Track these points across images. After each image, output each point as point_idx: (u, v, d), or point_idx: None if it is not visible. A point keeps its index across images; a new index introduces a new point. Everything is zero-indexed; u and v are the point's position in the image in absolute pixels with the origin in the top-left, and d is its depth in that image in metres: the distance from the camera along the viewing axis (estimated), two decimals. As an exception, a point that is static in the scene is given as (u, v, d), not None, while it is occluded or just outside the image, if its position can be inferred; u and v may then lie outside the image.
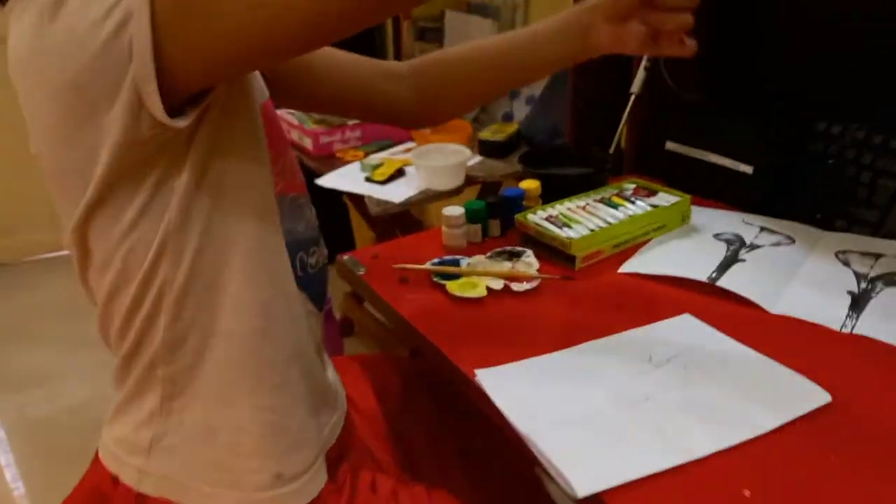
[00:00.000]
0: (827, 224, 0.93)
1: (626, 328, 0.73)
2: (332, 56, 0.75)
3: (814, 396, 0.61)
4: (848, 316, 0.73)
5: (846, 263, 0.84)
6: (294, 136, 1.67)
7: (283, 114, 1.71)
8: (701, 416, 0.60)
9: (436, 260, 0.86)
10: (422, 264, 0.84)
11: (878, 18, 0.95)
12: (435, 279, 0.82)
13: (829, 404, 0.60)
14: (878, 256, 0.85)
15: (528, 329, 0.74)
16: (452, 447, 0.80)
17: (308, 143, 1.61)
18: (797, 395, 0.61)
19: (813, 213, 0.95)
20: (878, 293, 0.77)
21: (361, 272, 0.86)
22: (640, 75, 1.06)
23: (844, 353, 0.69)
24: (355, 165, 1.56)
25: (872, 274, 0.81)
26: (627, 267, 0.85)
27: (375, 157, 1.58)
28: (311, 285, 0.66)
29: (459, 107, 0.83)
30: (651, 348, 0.69)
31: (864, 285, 0.79)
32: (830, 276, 0.81)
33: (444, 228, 0.91)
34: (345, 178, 1.51)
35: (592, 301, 0.79)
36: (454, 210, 0.90)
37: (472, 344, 0.72)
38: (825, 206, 0.95)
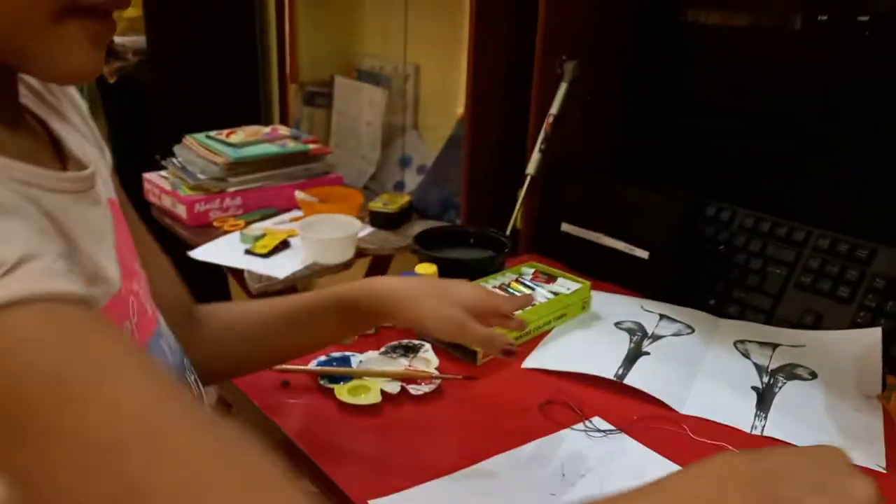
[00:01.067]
0: (720, 310, 0.93)
1: (532, 436, 0.67)
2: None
3: None
4: (756, 416, 0.71)
5: (745, 354, 0.83)
6: (166, 202, 1.53)
7: (155, 176, 1.57)
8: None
9: (322, 358, 0.77)
10: (306, 364, 0.75)
11: (775, 108, 0.99)
12: (322, 382, 0.73)
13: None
14: (774, 346, 0.84)
15: (428, 441, 0.66)
16: None
17: (182, 212, 1.47)
18: None
19: (706, 298, 0.95)
20: (780, 388, 0.76)
21: (235, 374, 0.75)
22: (536, 157, 1.04)
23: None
24: (234, 236, 1.43)
25: (773, 366, 0.80)
26: (531, 362, 0.80)
27: (257, 227, 1.46)
28: None
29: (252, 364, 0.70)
30: (562, 462, 0.63)
31: (766, 379, 0.78)
32: (733, 370, 0.79)
33: (331, 320, 0.82)
34: (222, 250, 1.38)
35: (496, 404, 0.73)
36: (344, 300, 0.82)
37: (366, 463, 0.63)
38: (717, 292, 0.95)
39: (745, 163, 1.02)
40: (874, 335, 0.81)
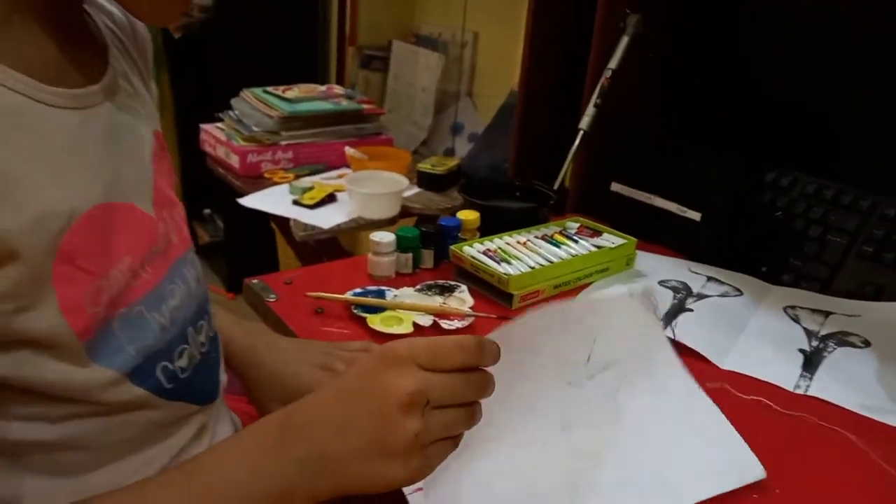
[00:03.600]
0: (773, 278, 0.89)
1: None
2: None
3: (748, 471, 0.53)
4: (801, 376, 0.68)
5: (796, 319, 0.79)
6: (220, 152, 1.56)
7: (212, 127, 1.60)
8: (620, 479, 0.52)
9: (358, 290, 0.76)
10: (342, 294, 0.75)
11: (842, 72, 0.94)
12: (355, 311, 0.73)
13: (762, 481, 0.53)
14: (827, 314, 0.80)
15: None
16: None
17: (235, 162, 1.50)
18: (730, 466, 0.54)
19: (759, 265, 0.91)
20: (830, 352, 0.72)
21: (271, 299, 0.75)
22: (590, 111, 1.01)
23: (796, 418, 0.62)
24: (283, 187, 1.45)
25: (823, 332, 0.76)
26: (569, 310, 0.78)
27: (306, 181, 1.48)
28: (190, 388, 0.50)
29: None
30: (593, 342, 0.59)
31: (815, 343, 0.74)
32: (780, 332, 0.76)
33: (370, 256, 0.82)
34: (270, 200, 1.40)
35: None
36: (384, 236, 0.81)
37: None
38: (772, 259, 0.91)
39: (809, 129, 0.97)
40: (938, 308, 0.76)
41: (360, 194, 1.36)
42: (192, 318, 0.51)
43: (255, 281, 0.78)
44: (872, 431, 0.61)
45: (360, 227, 1.37)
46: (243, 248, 2.16)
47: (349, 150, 1.52)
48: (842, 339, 0.75)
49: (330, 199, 1.42)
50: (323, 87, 1.71)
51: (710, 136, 1.03)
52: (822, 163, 0.92)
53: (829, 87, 0.95)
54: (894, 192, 0.85)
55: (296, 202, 1.39)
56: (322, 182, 1.48)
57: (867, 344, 0.75)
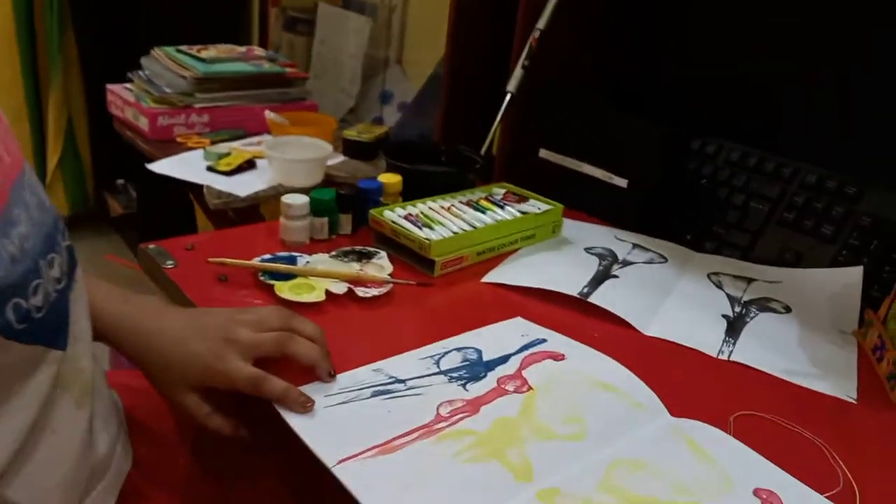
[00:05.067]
0: (697, 245, 0.89)
1: (485, 345, 0.62)
2: None
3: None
4: (724, 341, 0.67)
5: (719, 286, 0.78)
6: (129, 115, 1.45)
7: (119, 88, 1.49)
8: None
9: (267, 256, 0.71)
10: (248, 259, 0.69)
11: (770, 38, 0.93)
12: (262, 278, 0.67)
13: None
14: (750, 280, 0.80)
15: (371, 340, 0.61)
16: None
17: (143, 124, 1.39)
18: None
19: (684, 233, 0.90)
20: (752, 318, 0.72)
21: (169, 265, 0.69)
22: (517, 73, 0.97)
23: (719, 381, 0.61)
24: (197, 153, 1.36)
25: (746, 298, 0.76)
26: (492, 277, 0.75)
27: (222, 146, 1.39)
28: (44, 328, 0.43)
29: None
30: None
31: (738, 309, 0.73)
32: (704, 298, 0.75)
33: (282, 220, 0.77)
34: (182, 166, 1.31)
35: (449, 315, 0.68)
36: (296, 198, 0.76)
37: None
38: (696, 226, 0.90)
39: (734, 96, 0.96)
40: (855, 274, 0.77)
41: (280, 160, 1.28)
42: (42, 250, 0.44)
43: (151, 246, 0.71)
44: (792, 395, 0.60)
45: (280, 195, 1.30)
46: (159, 220, 2.04)
47: (269, 114, 1.44)
48: (764, 304, 0.75)
49: (248, 165, 1.34)
50: (242, 49, 1.61)
51: (638, 103, 1.01)
52: (749, 130, 0.92)
53: (756, 54, 0.94)
54: (817, 159, 0.85)
55: (210, 168, 1.31)
56: (240, 148, 1.39)
57: (788, 310, 0.75)
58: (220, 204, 1.22)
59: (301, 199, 0.76)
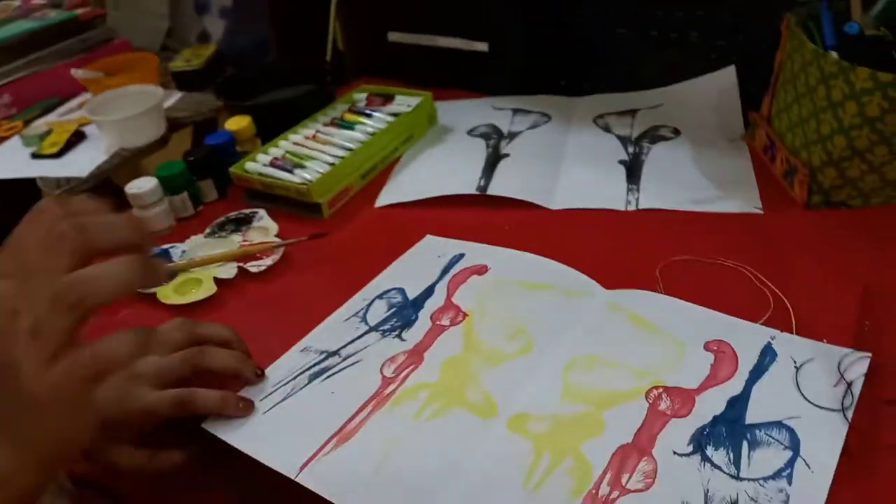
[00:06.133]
0: (574, 90, 0.86)
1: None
2: None
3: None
4: (628, 190, 0.66)
5: (606, 129, 0.77)
6: (-87, 121, 1.22)
7: None
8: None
9: (136, 260, 0.63)
10: (117, 272, 0.61)
11: None
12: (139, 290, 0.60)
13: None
14: (633, 112, 0.78)
15: (282, 318, 0.57)
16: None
17: (-63, 128, 1.19)
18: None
19: (557, 80, 0.87)
20: (647, 154, 0.71)
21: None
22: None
23: (635, 234, 0.61)
24: (14, 141, 1.18)
25: (635, 134, 0.75)
26: (384, 198, 0.70)
27: (39, 124, 1.21)
28: None
29: None
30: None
31: (631, 149, 0.72)
32: (596, 150, 0.73)
33: (136, 212, 0.68)
34: (2, 162, 1.14)
35: (353, 257, 0.63)
36: (142, 184, 0.67)
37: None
38: (567, 70, 0.86)
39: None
40: (729, 75, 0.76)
41: (110, 122, 1.13)
42: None
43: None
44: (704, 225, 0.61)
45: (127, 160, 1.17)
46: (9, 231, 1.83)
47: (77, 72, 1.25)
48: (654, 134, 0.74)
49: (77, 138, 1.18)
50: (16, 3, 1.37)
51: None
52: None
53: None
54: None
55: (36, 155, 1.15)
56: (60, 121, 1.22)
57: (677, 132, 0.74)
58: (64, 194, 1.08)
59: (148, 183, 0.67)
